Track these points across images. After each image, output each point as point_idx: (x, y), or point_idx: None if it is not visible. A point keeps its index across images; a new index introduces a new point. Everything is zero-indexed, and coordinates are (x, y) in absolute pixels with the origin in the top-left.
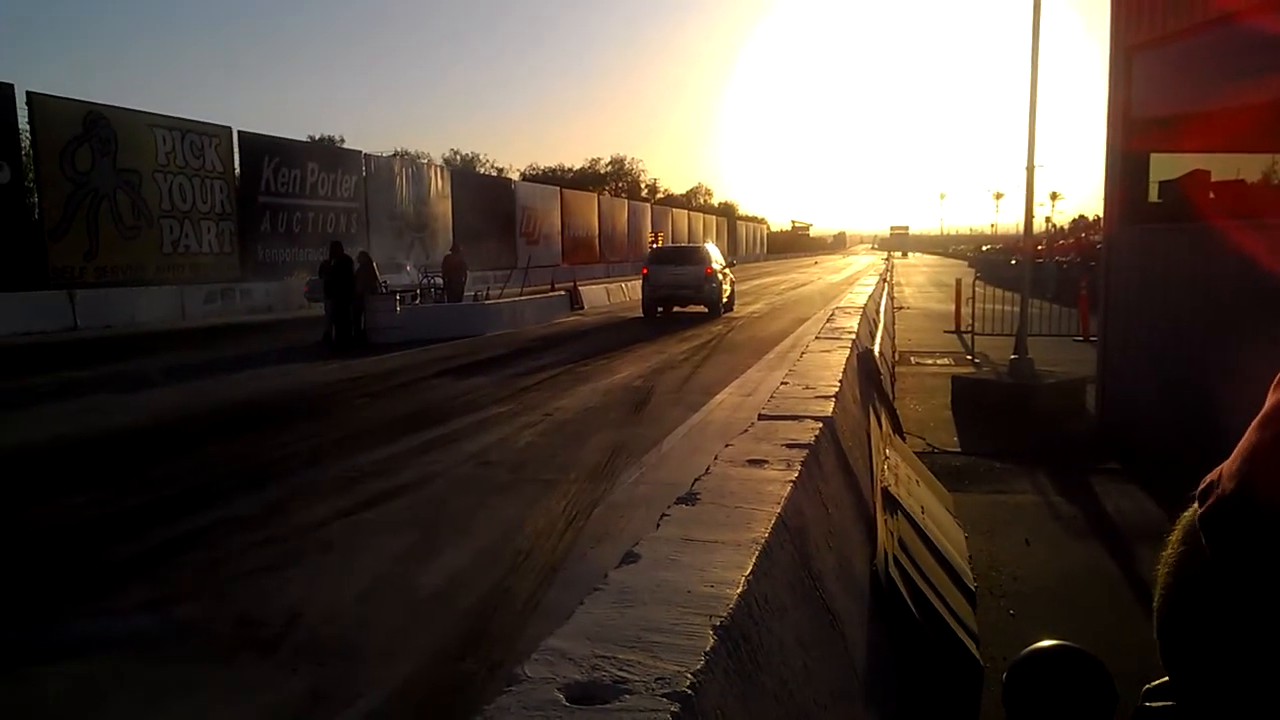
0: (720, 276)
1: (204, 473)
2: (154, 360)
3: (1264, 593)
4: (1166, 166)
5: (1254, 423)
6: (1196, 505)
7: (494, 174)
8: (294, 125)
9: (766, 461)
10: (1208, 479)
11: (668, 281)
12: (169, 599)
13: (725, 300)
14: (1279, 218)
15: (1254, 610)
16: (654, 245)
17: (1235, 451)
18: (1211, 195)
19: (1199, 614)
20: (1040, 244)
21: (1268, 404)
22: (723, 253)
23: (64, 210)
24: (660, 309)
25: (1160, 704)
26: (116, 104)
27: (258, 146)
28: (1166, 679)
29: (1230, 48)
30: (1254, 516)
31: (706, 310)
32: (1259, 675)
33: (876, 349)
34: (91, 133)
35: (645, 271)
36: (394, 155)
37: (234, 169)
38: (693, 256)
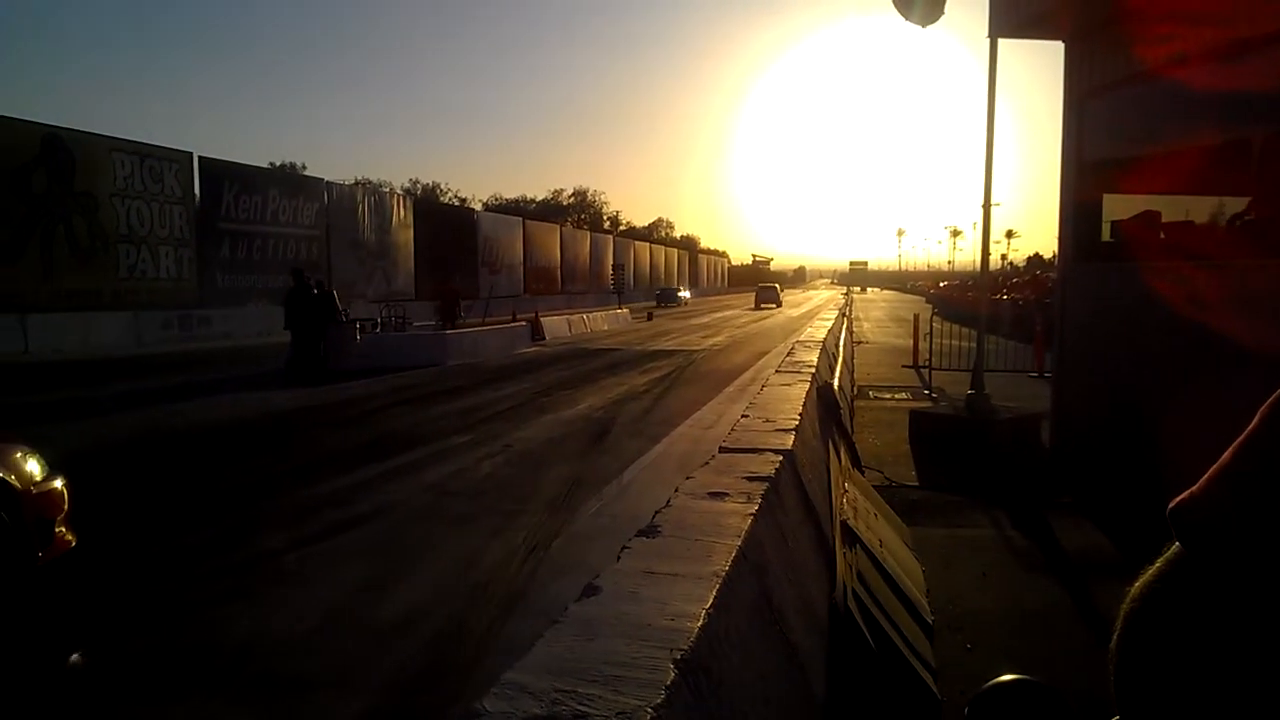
0: (779, 293)
1: (156, 502)
2: (107, 386)
3: (1233, 593)
4: (1119, 207)
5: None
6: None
7: (456, 204)
8: (255, 152)
9: (727, 494)
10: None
11: (762, 295)
12: (119, 631)
13: (780, 302)
14: (1226, 258)
15: (1221, 621)
16: (617, 274)
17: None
18: (1162, 235)
19: (1164, 637)
20: (999, 277)
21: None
22: (778, 284)
23: (17, 233)
24: (762, 306)
25: None
26: (75, 127)
27: (218, 172)
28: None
29: (1176, 94)
30: (1223, 509)
31: (775, 306)
32: (1220, 698)
33: (836, 383)
34: (48, 155)
35: (756, 292)
36: (356, 183)
37: (194, 195)
38: (771, 287)
